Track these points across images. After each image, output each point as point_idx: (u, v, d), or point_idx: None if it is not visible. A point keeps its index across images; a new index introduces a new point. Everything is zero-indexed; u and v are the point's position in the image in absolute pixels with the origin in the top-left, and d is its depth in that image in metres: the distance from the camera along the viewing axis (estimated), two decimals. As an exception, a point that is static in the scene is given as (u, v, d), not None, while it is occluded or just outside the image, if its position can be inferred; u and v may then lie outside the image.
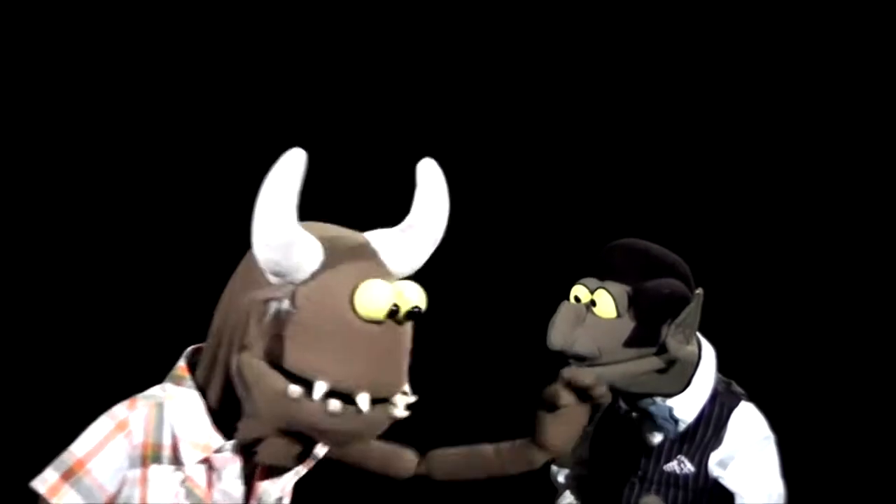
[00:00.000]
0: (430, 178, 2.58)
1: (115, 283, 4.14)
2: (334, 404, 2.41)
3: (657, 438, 3.15)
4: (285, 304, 2.44)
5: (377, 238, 2.59)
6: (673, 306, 3.03)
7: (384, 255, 2.55)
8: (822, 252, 4.40)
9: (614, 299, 3.03)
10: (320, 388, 2.40)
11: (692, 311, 3.03)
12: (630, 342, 3.03)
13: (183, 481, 2.65)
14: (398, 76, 4.34)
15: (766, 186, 4.44)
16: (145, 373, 2.83)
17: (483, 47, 4.38)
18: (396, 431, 2.96)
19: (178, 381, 2.67)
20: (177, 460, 2.65)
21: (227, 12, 4.19)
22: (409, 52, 4.34)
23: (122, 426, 2.65)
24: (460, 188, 2.60)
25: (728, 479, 3.08)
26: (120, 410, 2.66)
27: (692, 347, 3.07)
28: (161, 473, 2.65)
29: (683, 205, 4.39)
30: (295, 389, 2.41)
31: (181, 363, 2.70)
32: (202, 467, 2.65)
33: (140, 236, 4.16)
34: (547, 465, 3.37)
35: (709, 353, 3.15)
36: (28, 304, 4.09)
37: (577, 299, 3.09)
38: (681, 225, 4.28)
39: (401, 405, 2.50)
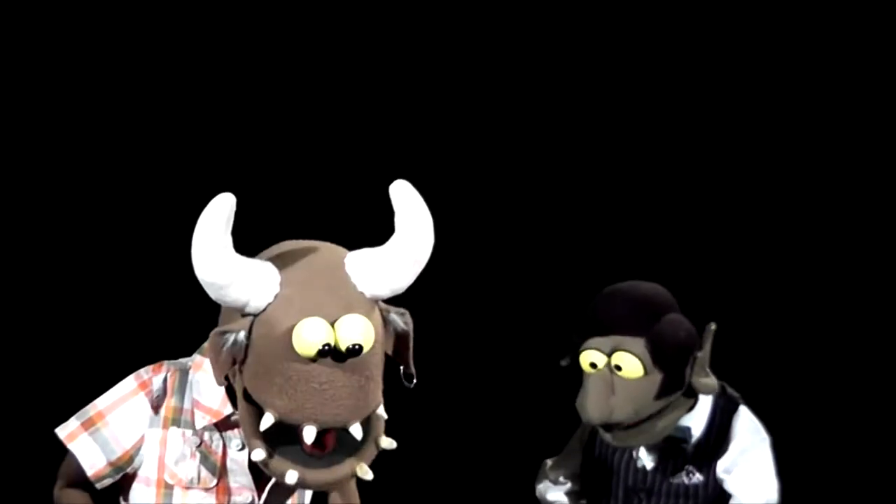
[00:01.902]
0: (405, 200, 2.57)
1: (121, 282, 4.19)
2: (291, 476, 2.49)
3: (650, 463, 3.14)
4: (241, 336, 2.52)
5: (358, 258, 2.58)
6: (691, 346, 3.04)
7: (362, 277, 2.55)
8: (809, 252, 4.37)
9: (639, 359, 3.00)
10: (267, 420, 2.50)
11: (708, 347, 3.05)
12: (660, 394, 3.02)
13: (199, 445, 2.72)
14: (402, 98, 4.39)
15: (743, 191, 4.42)
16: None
17: (483, 79, 4.43)
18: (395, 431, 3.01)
19: (204, 353, 2.74)
20: (195, 425, 2.73)
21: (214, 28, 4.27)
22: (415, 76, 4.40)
23: (144, 385, 2.74)
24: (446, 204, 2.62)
25: (729, 483, 3.08)
26: (145, 372, 2.77)
27: (712, 380, 3.08)
28: (179, 436, 2.72)
29: (658, 208, 4.40)
30: (261, 424, 2.50)
31: None
32: (219, 435, 2.72)
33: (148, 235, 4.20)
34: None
35: None
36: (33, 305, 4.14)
37: (594, 365, 3.05)
38: (659, 231, 4.33)
39: (365, 471, 2.56)
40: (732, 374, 3.20)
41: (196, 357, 2.77)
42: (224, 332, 2.52)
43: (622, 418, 3.01)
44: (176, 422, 2.72)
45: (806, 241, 4.39)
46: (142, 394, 2.72)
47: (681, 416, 3.08)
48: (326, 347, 2.45)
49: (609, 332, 3.02)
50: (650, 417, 3.04)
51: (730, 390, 3.16)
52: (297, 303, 2.49)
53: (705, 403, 3.11)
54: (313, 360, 2.46)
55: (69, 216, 4.13)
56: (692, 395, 3.07)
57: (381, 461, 2.57)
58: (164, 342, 3.03)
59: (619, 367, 3.00)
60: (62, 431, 2.72)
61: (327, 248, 2.61)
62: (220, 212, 2.42)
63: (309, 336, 2.45)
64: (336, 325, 2.47)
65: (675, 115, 4.41)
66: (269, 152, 4.27)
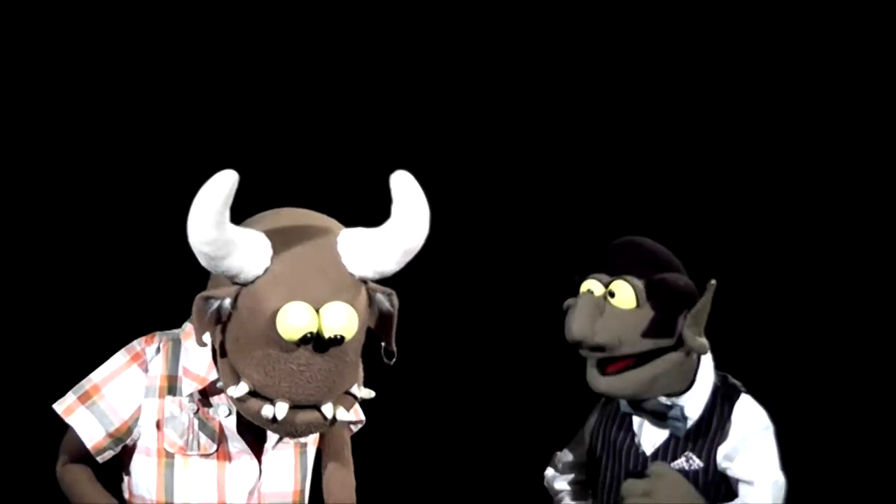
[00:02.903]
0: (405, 191, 2.60)
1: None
2: (267, 411, 2.52)
3: (650, 449, 3.13)
4: (227, 303, 2.56)
5: (351, 236, 2.61)
6: (689, 297, 3.04)
7: (352, 257, 2.58)
8: (811, 243, 4.34)
9: (634, 290, 3.02)
10: (241, 388, 2.55)
11: (706, 302, 3.04)
12: (648, 332, 3.02)
13: (196, 412, 2.75)
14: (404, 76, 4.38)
15: (746, 181, 4.40)
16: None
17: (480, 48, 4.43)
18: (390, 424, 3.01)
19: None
20: (184, 392, 2.76)
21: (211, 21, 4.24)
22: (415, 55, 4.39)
23: (136, 357, 2.78)
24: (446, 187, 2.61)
25: (734, 470, 3.06)
26: (138, 343, 2.81)
27: (704, 340, 3.06)
28: (176, 404, 2.75)
29: (665, 200, 4.38)
30: (233, 390, 2.56)
31: None
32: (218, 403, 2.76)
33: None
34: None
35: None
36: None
37: (590, 292, 3.06)
38: (665, 219, 4.30)
39: (329, 412, 2.56)
40: (735, 362, 3.21)
41: (186, 325, 2.80)
42: (209, 298, 2.55)
43: (605, 340, 2.99)
44: (171, 390, 2.75)
45: (806, 229, 4.38)
46: (135, 365, 2.76)
47: (672, 373, 3.05)
48: (310, 335, 2.48)
49: (613, 274, 3.04)
50: (638, 362, 3.03)
51: (731, 379, 3.15)
52: (286, 281, 2.51)
53: (704, 387, 3.10)
54: (295, 344, 2.49)
55: (61, 195, 4.12)
56: (682, 348, 3.04)
57: (382, 446, 2.57)
58: (155, 314, 3.04)
59: (612, 294, 3.01)
60: (59, 406, 2.75)
61: (322, 224, 2.63)
62: (221, 187, 2.44)
63: (294, 322, 2.48)
64: (321, 311, 2.49)
65: (653, 96, 4.41)
66: (282, 130, 4.26)
